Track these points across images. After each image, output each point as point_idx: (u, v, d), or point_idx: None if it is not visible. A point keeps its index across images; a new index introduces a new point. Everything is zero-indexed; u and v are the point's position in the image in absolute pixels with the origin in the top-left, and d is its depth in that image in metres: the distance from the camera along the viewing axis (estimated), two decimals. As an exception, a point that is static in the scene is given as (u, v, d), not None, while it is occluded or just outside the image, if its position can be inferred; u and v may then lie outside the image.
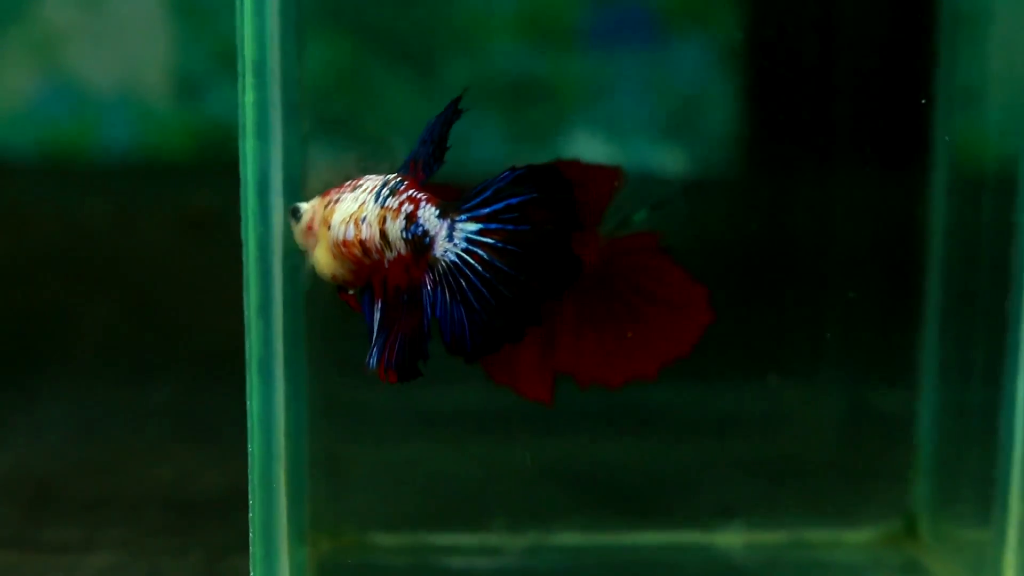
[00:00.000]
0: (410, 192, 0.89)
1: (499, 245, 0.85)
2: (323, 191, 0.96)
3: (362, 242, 0.91)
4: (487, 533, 1.15)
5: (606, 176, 0.98)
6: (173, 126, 1.83)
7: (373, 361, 0.90)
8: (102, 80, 1.86)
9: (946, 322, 1.14)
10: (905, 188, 1.17)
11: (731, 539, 1.16)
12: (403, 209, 0.89)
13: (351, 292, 0.94)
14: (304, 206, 0.96)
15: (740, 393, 1.18)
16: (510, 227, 0.85)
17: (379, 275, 0.91)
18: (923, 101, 1.11)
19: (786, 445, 1.20)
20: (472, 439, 1.17)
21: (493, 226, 0.85)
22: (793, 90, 1.16)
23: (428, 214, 0.88)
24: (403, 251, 0.89)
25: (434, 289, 0.87)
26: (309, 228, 0.95)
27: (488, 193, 0.86)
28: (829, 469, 1.19)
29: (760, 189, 1.28)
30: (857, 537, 1.17)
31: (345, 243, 0.92)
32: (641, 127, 1.40)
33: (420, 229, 0.88)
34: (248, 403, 0.95)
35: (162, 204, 1.72)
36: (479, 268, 0.86)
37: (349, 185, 0.94)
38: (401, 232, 0.89)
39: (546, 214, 0.85)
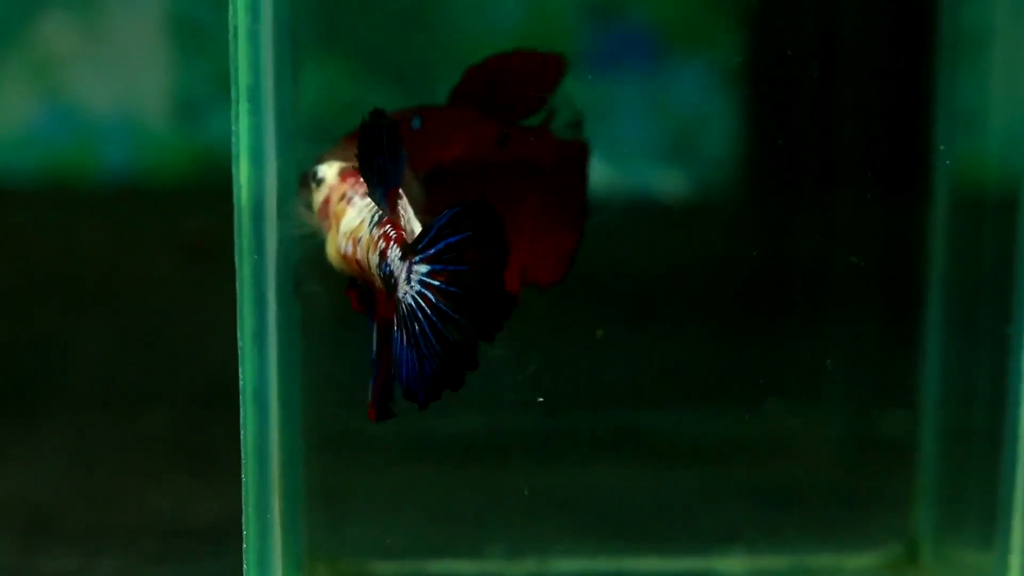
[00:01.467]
0: (387, 228, 0.89)
1: (443, 287, 0.85)
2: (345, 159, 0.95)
3: (358, 261, 0.91)
4: (486, 560, 1.14)
5: (549, 64, 0.98)
6: (172, 149, 1.83)
7: (369, 394, 0.91)
8: (101, 104, 1.86)
9: (948, 346, 1.13)
10: (906, 212, 1.16)
11: (733, 565, 1.15)
12: (379, 244, 0.89)
13: (359, 284, 0.94)
14: (323, 172, 0.95)
15: (741, 418, 1.18)
16: (451, 268, 0.85)
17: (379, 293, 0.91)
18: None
19: (787, 470, 1.19)
20: (470, 466, 1.17)
21: (438, 267, 0.85)
22: (793, 113, 1.15)
23: (393, 254, 0.88)
24: (380, 285, 0.89)
25: (397, 331, 0.87)
26: (326, 204, 0.94)
27: (432, 232, 0.85)
28: (831, 494, 1.18)
29: (760, 212, 1.27)
30: (859, 562, 1.16)
31: (345, 256, 0.92)
32: (641, 149, 1.40)
33: (387, 269, 0.88)
34: (242, 432, 0.95)
35: (161, 228, 1.72)
36: (428, 311, 0.85)
37: (359, 183, 0.93)
38: (376, 268, 0.89)
39: (478, 254, 0.84)
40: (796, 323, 1.18)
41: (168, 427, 1.40)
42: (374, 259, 0.89)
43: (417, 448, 1.16)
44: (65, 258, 1.68)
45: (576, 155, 1.03)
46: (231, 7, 0.90)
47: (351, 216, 0.92)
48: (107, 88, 1.89)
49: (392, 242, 0.88)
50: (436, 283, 0.85)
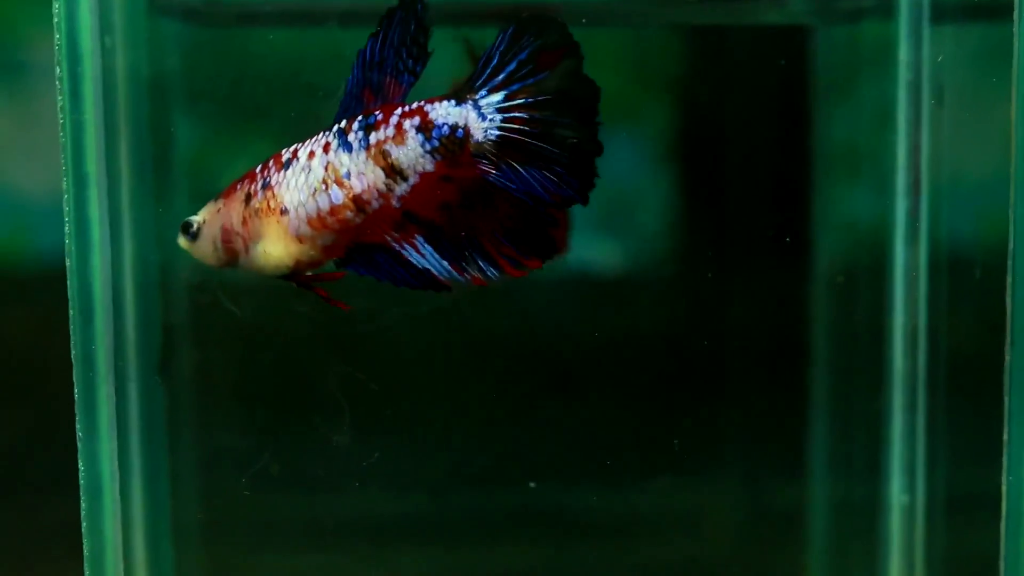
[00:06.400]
0: (398, 111, 0.86)
1: (531, 101, 0.84)
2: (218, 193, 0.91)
3: (356, 197, 0.86)
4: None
5: None
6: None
7: (492, 273, 0.86)
8: (33, 188, 1.86)
9: (832, 419, 1.12)
10: (796, 279, 1.16)
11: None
12: (407, 126, 0.86)
13: (323, 272, 0.89)
14: (197, 218, 0.91)
15: (637, 493, 1.17)
16: (531, 80, 0.84)
17: (384, 224, 0.86)
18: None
19: (684, 546, 1.18)
20: (358, 551, 1.15)
21: (516, 86, 0.84)
22: (713, 178, 1.15)
23: (444, 110, 0.85)
24: (430, 167, 0.85)
25: (499, 170, 0.85)
26: (226, 231, 0.89)
27: (495, 60, 0.84)
28: (726, 568, 1.17)
29: (661, 285, 1.26)
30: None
31: (333, 210, 0.87)
32: (574, 221, 1.39)
33: (446, 127, 0.85)
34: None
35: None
36: (527, 128, 0.84)
37: (267, 168, 0.89)
38: (422, 146, 0.85)
39: (555, 54, 0.84)
40: (694, 397, 1.17)
41: (73, 518, 1.39)
42: (410, 145, 0.85)
43: (318, 531, 1.14)
44: (-9, 344, 1.67)
45: None
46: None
47: (299, 180, 0.87)
48: (41, 173, 1.89)
49: (428, 104, 0.86)
50: (520, 101, 0.84)
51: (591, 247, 1.19)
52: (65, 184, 0.90)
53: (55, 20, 0.88)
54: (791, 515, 1.14)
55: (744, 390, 1.15)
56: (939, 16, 0.97)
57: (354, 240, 0.87)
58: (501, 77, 0.84)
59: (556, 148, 0.84)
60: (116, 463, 0.91)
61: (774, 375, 1.16)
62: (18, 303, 1.76)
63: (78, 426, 0.91)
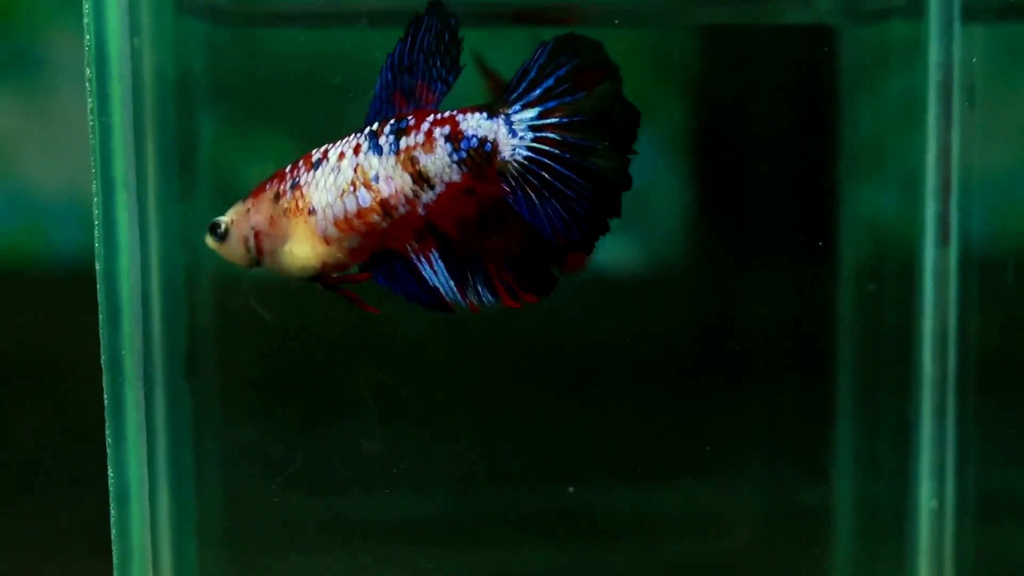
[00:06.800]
0: (430, 118, 0.85)
1: (565, 121, 0.81)
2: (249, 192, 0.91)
3: (383, 201, 0.85)
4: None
5: None
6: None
7: (488, 299, 0.85)
8: (50, 186, 1.86)
9: (859, 422, 1.12)
10: (819, 286, 1.15)
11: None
12: (436, 134, 0.84)
13: (348, 273, 0.88)
14: (225, 218, 0.90)
15: (663, 493, 1.16)
16: (568, 99, 0.81)
17: (408, 231, 0.85)
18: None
19: (710, 545, 1.18)
20: (388, 551, 1.15)
21: (552, 103, 0.82)
22: (736, 179, 1.15)
23: (475, 122, 0.84)
24: (456, 178, 0.84)
25: (515, 194, 0.83)
26: (255, 231, 0.89)
27: (532, 74, 0.82)
28: (751, 567, 1.17)
29: (686, 285, 1.26)
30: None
31: (360, 212, 0.86)
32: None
33: (475, 140, 0.84)
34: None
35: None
36: (556, 152, 0.82)
37: (297, 168, 0.88)
38: (450, 156, 0.84)
39: (595, 73, 0.81)
40: (715, 396, 1.17)
41: (96, 514, 1.39)
42: (438, 153, 0.84)
43: (341, 531, 1.14)
44: (7, 340, 1.67)
45: None
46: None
47: (328, 181, 0.87)
48: (57, 170, 1.89)
49: (460, 115, 0.84)
50: (554, 120, 0.82)
51: (618, 247, 1.18)
52: (94, 187, 0.89)
53: (84, 21, 0.88)
54: (818, 518, 1.14)
55: (769, 391, 1.15)
56: (970, 16, 0.97)
57: (379, 245, 0.87)
58: (537, 92, 0.82)
59: (582, 178, 0.82)
60: (145, 469, 0.91)
61: (800, 376, 1.15)
62: (34, 300, 1.76)
63: (107, 431, 0.91)
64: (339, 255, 0.87)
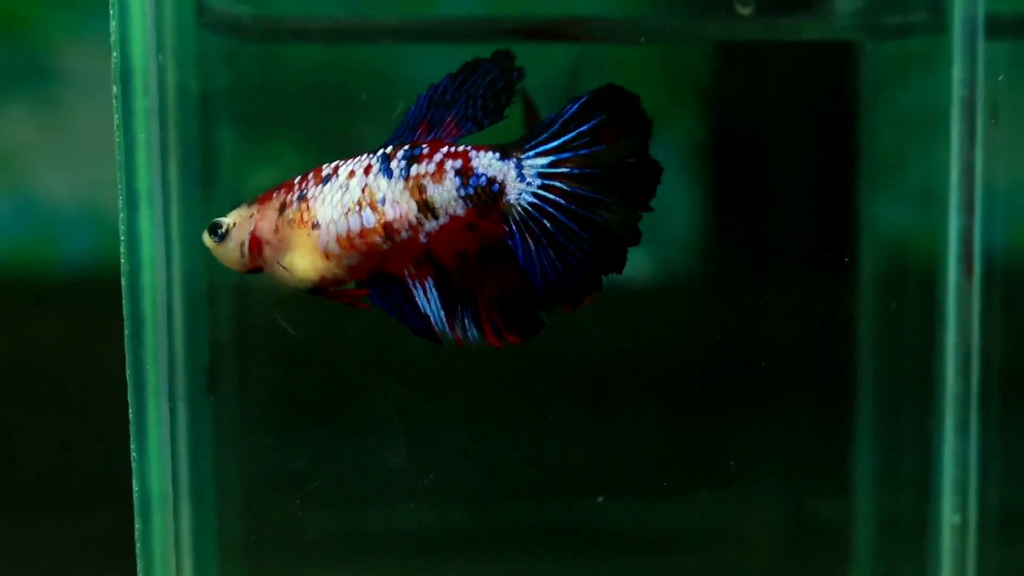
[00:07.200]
0: (444, 150, 0.85)
1: (576, 172, 0.82)
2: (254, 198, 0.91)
3: (387, 224, 0.86)
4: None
5: None
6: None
7: (473, 334, 0.85)
8: (62, 196, 1.86)
9: (880, 436, 1.12)
10: (838, 297, 1.15)
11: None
12: (447, 167, 0.85)
13: (345, 288, 0.88)
14: (227, 220, 0.90)
15: (682, 506, 1.16)
16: (583, 151, 0.81)
17: (407, 256, 0.86)
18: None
19: (727, 558, 1.18)
20: (407, 564, 1.15)
21: (566, 155, 0.82)
22: (758, 194, 1.15)
23: (487, 160, 0.84)
24: (460, 212, 0.84)
25: (515, 237, 0.83)
26: (256, 238, 0.89)
27: (556, 126, 0.82)
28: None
29: (705, 296, 1.26)
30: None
31: (363, 232, 0.86)
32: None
33: (484, 179, 0.84)
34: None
35: (118, 319, 1.71)
36: (561, 202, 0.82)
37: (307, 180, 0.88)
38: (457, 190, 0.84)
39: (619, 130, 0.81)
40: (733, 410, 1.17)
41: (107, 528, 1.39)
42: (447, 185, 0.84)
43: (357, 544, 1.14)
44: (18, 350, 1.67)
45: None
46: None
47: (335, 197, 0.87)
48: (68, 180, 1.89)
49: (474, 151, 0.84)
50: (564, 171, 0.82)
51: (639, 261, 1.18)
52: (120, 202, 0.89)
53: (111, 39, 0.88)
54: (838, 532, 1.14)
55: (789, 404, 1.15)
56: (994, 32, 0.97)
57: (378, 266, 0.87)
58: (554, 144, 0.82)
59: (585, 230, 0.82)
60: (169, 483, 0.91)
61: (820, 390, 1.15)
62: (45, 310, 1.76)
63: (132, 446, 0.91)
64: (337, 271, 0.88)
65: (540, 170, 0.83)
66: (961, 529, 1.00)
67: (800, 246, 1.14)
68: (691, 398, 1.17)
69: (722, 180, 1.20)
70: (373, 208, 0.86)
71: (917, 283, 1.07)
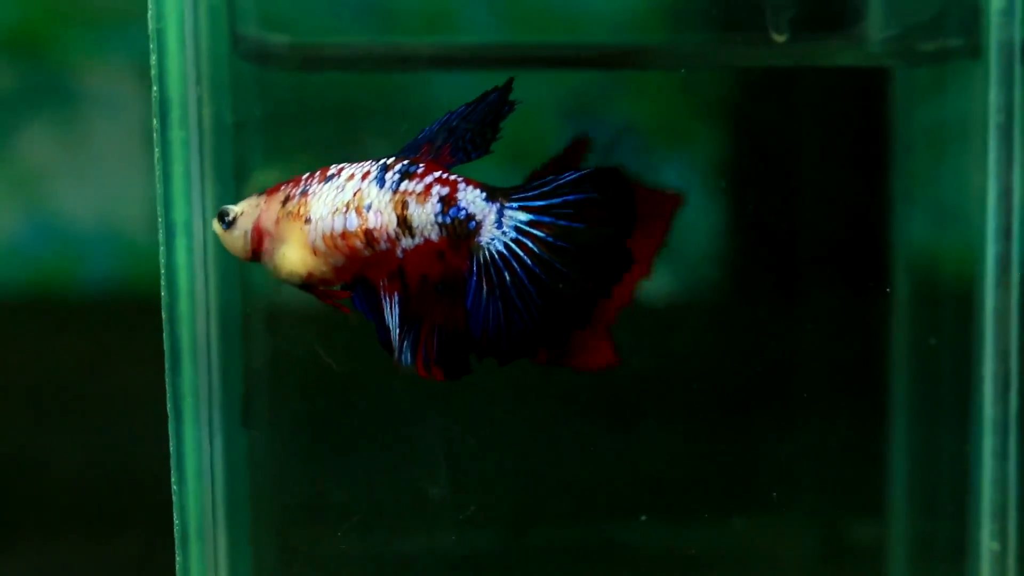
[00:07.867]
0: (437, 174, 0.86)
1: (549, 240, 0.82)
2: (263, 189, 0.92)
3: (367, 231, 0.87)
4: None
5: (662, 201, 0.91)
6: (154, 261, 1.82)
7: (407, 358, 0.86)
8: (84, 216, 1.86)
9: (916, 461, 1.12)
10: (871, 314, 1.15)
11: None
12: (434, 191, 0.85)
13: (333, 289, 0.90)
14: (236, 208, 0.91)
15: (713, 530, 1.16)
16: (563, 223, 0.82)
17: (385, 267, 0.87)
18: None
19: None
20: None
21: (546, 219, 0.82)
22: (772, 209, 1.15)
23: (472, 197, 0.85)
24: (434, 237, 0.85)
25: (473, 277, 0.84)
26: (259, 228, 0.90)
27: (548, 187, 0.83)
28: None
29: (727, 314, 1.26)
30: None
31: (344, 235, 0.87)
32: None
33: (463, 213, 0.84)
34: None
35: (140, 339, 1.71)
36: (527, 261, 0.82)
37: (312, 177, 0.90)
38: (436, 216, 0.85)
39: (603, 214, 0.82)
40: (763, 430, 1.17)
41: (139, 551, 1.39)
42: (427, 208, 0.85)
43: (388, 569, 1.14)
44: (41, 372, 1.67)
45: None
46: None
47: (331, 196, 0.88)
48: (89, 200, 1.89)
49: (463, 184, 0.85)
50: (539, 234, 0.82)
51: (665, 279, 1.18)
52: (160, 235, 0.89)
53: (152, 73, 0.88)
54: (872, 557, 1.14)
55: (823, 427, 1.15)
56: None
57: (360, 271, 0.88)
58: (539, 204, 0.83)
59: (540, 297, 0.83)
60: (210, 514, 0.91)
61: (854, 412, 1.15)
62: (68, 330, 1.76)
63: (172, 477, 0.91)
64: (324, 269, 0.89)
65: (518, 224, 0.83)
66: (1000, 556, 0.99)
67: (837, 269, 1.14)
68: (725, 420, 1.17)
69: (758, 205, 1.20)
70: (359, 212, 0.87)
71: (952, 305, 1.06)
